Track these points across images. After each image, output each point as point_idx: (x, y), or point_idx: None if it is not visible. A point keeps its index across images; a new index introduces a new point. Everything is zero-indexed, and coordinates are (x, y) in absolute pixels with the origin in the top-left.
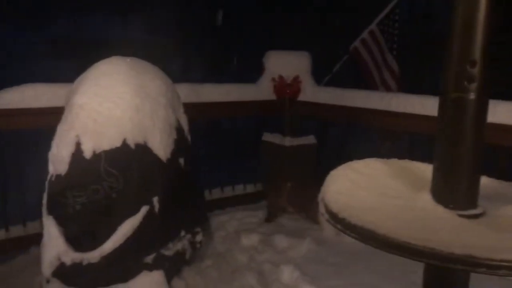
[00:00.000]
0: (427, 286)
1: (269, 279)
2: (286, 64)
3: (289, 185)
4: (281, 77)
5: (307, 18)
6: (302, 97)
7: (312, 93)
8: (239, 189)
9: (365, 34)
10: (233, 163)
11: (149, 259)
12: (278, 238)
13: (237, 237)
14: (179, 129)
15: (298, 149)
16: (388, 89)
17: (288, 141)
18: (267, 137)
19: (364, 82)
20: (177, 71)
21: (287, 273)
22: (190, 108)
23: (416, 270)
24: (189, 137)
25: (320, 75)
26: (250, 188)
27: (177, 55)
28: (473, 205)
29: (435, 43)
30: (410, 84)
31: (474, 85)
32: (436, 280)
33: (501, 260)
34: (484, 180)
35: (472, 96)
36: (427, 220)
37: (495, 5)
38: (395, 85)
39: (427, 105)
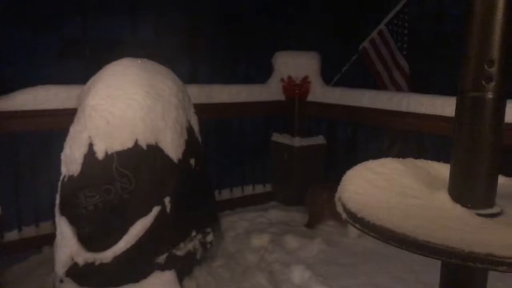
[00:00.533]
0: (445, 286)
1: (280, 279)
2: (295, 65)
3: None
4: (290, 77)
5: (316, 18)
6: (311, 98)
7: (321, 93)
8: (248, 190)
9: (374, 34)
10: (242, 164)
11: (160, 259)
12: (288, 238)
13: (247, 237)
14: (190, 130)
15: (307, 149)
16: (398, 88)
17: (297, 142)
18: (276, 137)
19: (373, 82)
20: (187, 72)
21: (298, 273)
22: (200, 109)
23: (424, 270)
24: (199, 138)
25: (329, 75)
26: (259, 189)
27: (187, 56)
28: (491, 204)
29: (446, 42)
30: (420, 83)
31: (492, 85)
32: (454, 280)
33: None
34: (501, 179)
35: (490, 95)
36: (446, 219)
37: None
38: (405, 84)
39: (436, 105)
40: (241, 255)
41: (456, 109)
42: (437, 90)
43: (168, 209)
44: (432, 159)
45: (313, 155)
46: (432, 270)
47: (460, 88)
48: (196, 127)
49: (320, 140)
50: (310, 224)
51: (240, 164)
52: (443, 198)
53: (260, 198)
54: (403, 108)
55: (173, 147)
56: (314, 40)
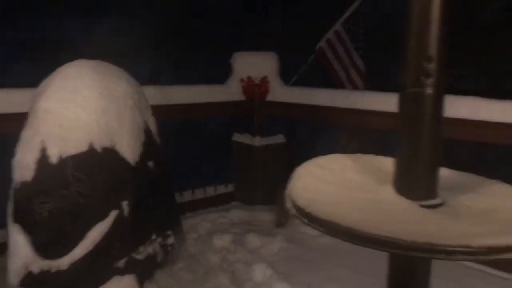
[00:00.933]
0: (392, 276)
1: (242, 278)
2: (254, 65)
3: None
4: (249, 77)
5: (274, 19)
6: (270, 97)
7: (280, 93)
8: (210, 191)
9: (330, 34)
10: (204, 165)
11: (120, 263)
12: (250, 237)
13: (209, 238)
14: (147, 132)
15: (267, 148)
16: (355, 87)
17: (257, 141)
18: (237, 137)
19: (330, 81)
20: (144, 73)
21: (260, 272)
22: (159, 110)
23: (385, 264)
24: (158, 139)
25: (288, 76)
26: (221, 189)
27: (143, 57)
28: (433, 195)
29: (401, 41)
30: (376, 82)
31: (431, 80)
32: (400, 269)
33: (457, 246)
34: (443, 172)
35: (429, 90)
36: (390, 211)
37: (449, 2)
38: (361, 83)
39: (391, 102)
40: (203, 256)
41: (398, 105)
42: (393, 88)
43: (126, 213)
44: (390, 156)
45: (274, 154)
46: None
47: (401, 84)
48: (153, 129)
49: (279, 139)
50: (280, 224)
51: (201, 165)
52: (388, 191)
53: (222, 199)
54: (359, 106)
55: (129, 149)
56: (272, 41)
